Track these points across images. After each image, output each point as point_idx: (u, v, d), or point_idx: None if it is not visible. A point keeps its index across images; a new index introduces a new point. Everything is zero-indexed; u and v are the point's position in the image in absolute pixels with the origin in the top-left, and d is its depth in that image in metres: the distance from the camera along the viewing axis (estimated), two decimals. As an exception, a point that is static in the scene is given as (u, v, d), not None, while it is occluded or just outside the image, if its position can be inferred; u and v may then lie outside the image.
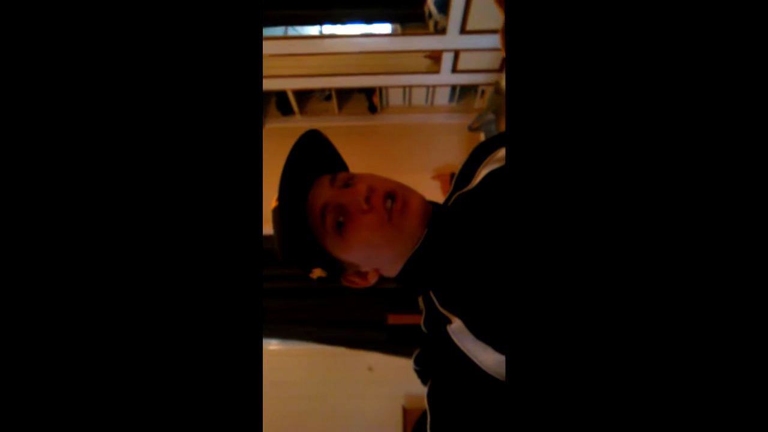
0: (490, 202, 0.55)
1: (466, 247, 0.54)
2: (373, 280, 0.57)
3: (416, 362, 0.61)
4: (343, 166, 0.61)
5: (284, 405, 2.12)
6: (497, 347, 0.48)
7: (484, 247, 0.53)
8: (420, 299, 0.61)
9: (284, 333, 2.14)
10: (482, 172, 0.60)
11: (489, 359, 0.48)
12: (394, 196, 0.51)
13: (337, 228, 0.51)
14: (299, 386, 2.23)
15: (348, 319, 1.98)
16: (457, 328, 0.51)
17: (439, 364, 0.55)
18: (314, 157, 0.56)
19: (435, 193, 2.31)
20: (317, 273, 0.56)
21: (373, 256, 0.54)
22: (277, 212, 0.53)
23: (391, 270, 0.56)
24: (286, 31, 2.21)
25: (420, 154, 2.52)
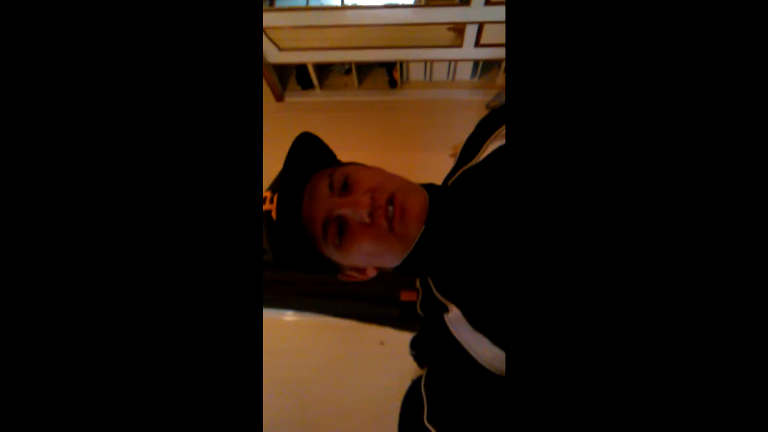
0: (495, 182, 0.52)
1: (468, 232, 0.51)
2: (371, 274, 0.57)
3: (412, 346, 0.61)
4: (332, 156, 0.58)
5: (297, 371, 2.19)
6: (495, 339, 0.47)
7: (487, 232, 0.50)
8: (417, 281, 0.60)
9: (300, 305, 2.18)
10: (489, 147, 0.57)
11: (486, 353, 0.47)
12: (393, 200, 0.49)
13: (338, 237, 0.50)
14: (313, 356, 2.29)
15: (362, 294, 2.01)
16: (454, 318, 0.50)
17: (435, 353, 0.54)
18: (307, 161, 0.53)
19: (453, 171, 2.27)
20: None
21: (374, 260, 0.53)
22: (270, 218, 0.50)
23: (391, 265, 0.55)
24: (307, 2, 2.16)
25: (440, 131, 2.47)
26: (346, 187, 0.50)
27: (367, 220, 0.48)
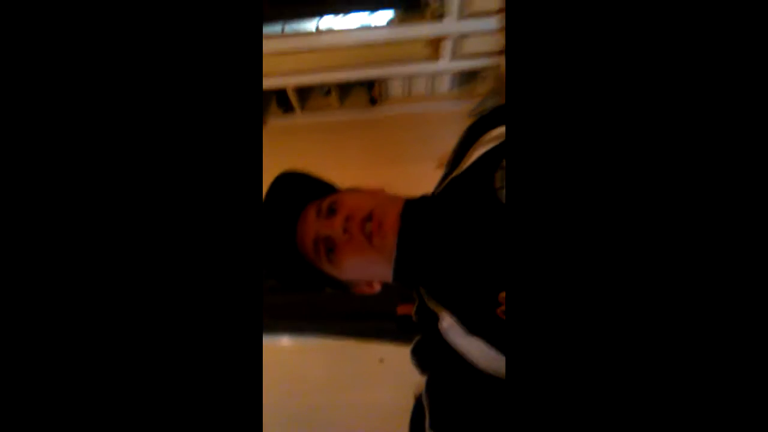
0: (479, 190, 0.54)
1: (451, 240, 0.53)
2: (377, 287, 0.62)
3: (413, 353, 0.62)
4: (328, 187, 0.63)
5: (297, 399, 2.14)
6: (490, 342, 0.47)
7: (471, 238, 0.52)
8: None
9: (295, 329, 2.15)
10: (474, 154, 0.59)
11: (483, 356, 0.48)
12: (371, 217, 0.53)
13: (327, 255, 0.55)
14: (312, 380, 2.25)
15: (357, 311, 1.99)
16: (447, 324, 0.51)
17: (434, 361, 0.55)
18: (293, 197, 0.59)
19: (439, 182, 2.28)
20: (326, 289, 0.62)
21: (366, 273, 0.58)
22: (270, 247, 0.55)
23: (384, 276, 0.58)
24: (283, 29, 2.19)
25: (423, 144, 2.49)
26: (332, 212, 0.55)
27: (343, 236, 0.53)
